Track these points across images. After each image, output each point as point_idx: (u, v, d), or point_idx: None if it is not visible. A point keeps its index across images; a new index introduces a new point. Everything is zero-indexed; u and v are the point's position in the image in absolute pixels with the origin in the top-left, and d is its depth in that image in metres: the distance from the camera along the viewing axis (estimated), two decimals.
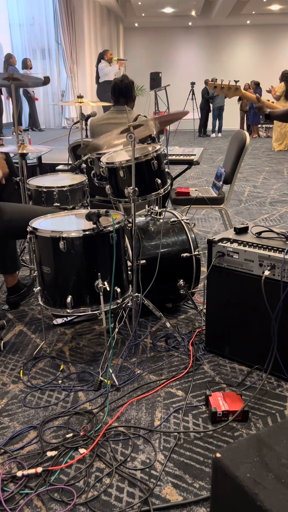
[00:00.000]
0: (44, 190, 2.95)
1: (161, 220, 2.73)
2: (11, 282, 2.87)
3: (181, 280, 2.59)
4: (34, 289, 2.55)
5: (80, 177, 3.15)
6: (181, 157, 4.03)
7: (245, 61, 17.24)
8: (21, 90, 10.51)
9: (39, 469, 1.62)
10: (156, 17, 16.41)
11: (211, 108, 13.72)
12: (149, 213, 2.79)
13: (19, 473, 1.60)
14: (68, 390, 2.10)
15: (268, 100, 2.54)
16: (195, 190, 3.93)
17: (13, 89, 3.20)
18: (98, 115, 3.54)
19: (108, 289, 2.14)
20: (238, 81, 2.47)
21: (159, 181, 2.45)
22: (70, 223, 2.34)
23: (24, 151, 3.17)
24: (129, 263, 2.41)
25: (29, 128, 11.48)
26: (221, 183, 3.79)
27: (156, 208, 2.82)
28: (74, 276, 2.15)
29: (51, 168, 4.96)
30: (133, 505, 1.51)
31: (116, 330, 2.47)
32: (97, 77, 9.15)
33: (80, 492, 1.57)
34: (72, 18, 12.35)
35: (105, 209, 2.13)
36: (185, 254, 2.60)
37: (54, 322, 2.68)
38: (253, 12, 16.02)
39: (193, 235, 2.67)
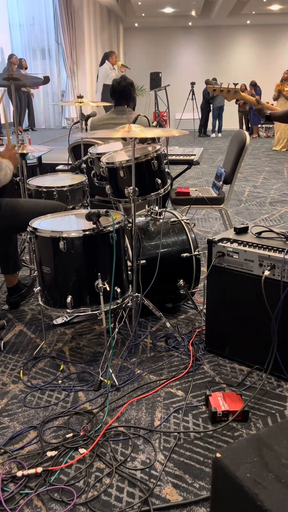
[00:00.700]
0: (44, 190, 2.95)
1: (161, 220, 2.73)
2: (12, 282, 2.87)
3: (181, 280, 2.59)
4: (34, 289, 2.55)
5: (80, 177, 3.15)
6: (181, 157, 4.04)
7: (245, 61, 17.25)
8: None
9: (39, 469, 1.62)
10: (156, 17, 16.42)
11: (211, 108, 13.73)
12: (149, 213, 2.79)
13: (19, 473, 1.60)
14: (68, 390, 2.10)
15: (268, 102, 2.54)
16: (195, 190, 3.93)
17: (13, 89, 3.20)
18: (98, 115, 3.55)
19: (108, 289, 2.14)
20: (237, 83, 2.47)
21: (159, 181, 2.45)
22: (70, 223, 2.34)
23: (24, 151, 3.17)
24: (129, 263, 2.41)
25: (29, 128, 11.49)
26: (221, 183, 3.79)
27: (156, 208, 2.82)
28: (74, 276, 2.15)
29: (51, 168, 4.97)
30: (133, 505, 1.51)
31: (116, 330, 2.47)
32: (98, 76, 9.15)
33: (80, 492, 1.57)
34: (72, 18, 12.35)
35: (105, 209, 2.13)
36: (185, 254, 2.60)
37: (54, 322, 2.68)
38: (253, 12, 16.03)
39: (193, 235, 2.67)
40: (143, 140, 2.83)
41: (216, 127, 13.90)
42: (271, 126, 12.94)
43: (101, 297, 2.11)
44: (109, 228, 2.15)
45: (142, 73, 14.70)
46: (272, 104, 2.49)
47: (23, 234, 3.50)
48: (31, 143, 4.89)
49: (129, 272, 2.39)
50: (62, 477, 1.62)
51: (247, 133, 3.70)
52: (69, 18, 12.21)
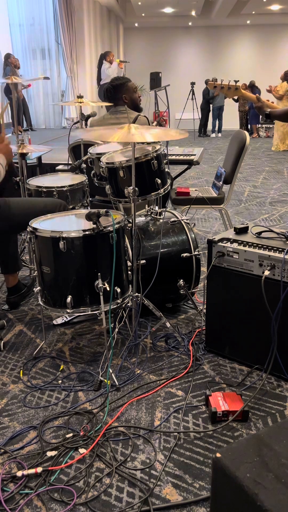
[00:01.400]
0: (44, 190, 2.95)
1: (161, 220, 2.73)
2: (12, 282, 2.87)
3: (181, 280, 2.59)
4: (34, 289, 2.56)
5: (80, 177, 3.15)
6: (181, 157, 4.03)
7: (245, 61, 17.24)
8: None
9: (39, 469, 1.62)
10: (156, 17, 16.41)
11: (211, 108, 13.73)
12: (149, 213, 2.79)
13: (19, 473, 1.60)
14: (68, 390, 2.10)
15: (268, 100, 2.54)
16: (195, 190, 3.93)
17: (13, 89, 3.20)
18: (98, 115, 3.55)
19: (108, 289, 2.14)
20: (238, 81, 2.47)
21: (159, 181, 2.45)
22: (70, 223, 2.34)
23: (24, 151, 3.17)
24: (129, 263, 2.41)
25: (28, 128, 11.48)
26: (221, 183, 3.79)
27: (156, 208, 2.82)
28: (74, 276, 2.15)
29: (51, 168, 4.96)
30: (133, 505, 1.51)
31: (116, 330, 2.47)
32: (99, 78, 9.15)
33: (80, 492, 1.57)
34: (72, 18, 12.34)
35: (105, 209, 2.13)
36: (185, 254, 2.60)
37: (54, 322, 2.68)
38: (253, 12, 16.02)
39: (193, 235, 2.67)
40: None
41: (216, 127, 13.90)
42: (271, 126, 12.93)
43: (101, 297, 2.11)
44: (109, 228, 2.15)
45: (142, 73, 14.68)
46: (273, 102, 2.49)
47: (23, 234, 3.50)
48: (31, 143, 4.89)
49: (129, 272, 2.39)
50: (62, 477, 1.62)
51: (247, 133, 3.70)
52: (69, 18, 12.21)
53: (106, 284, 2.13)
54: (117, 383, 2.11)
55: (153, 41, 17.35)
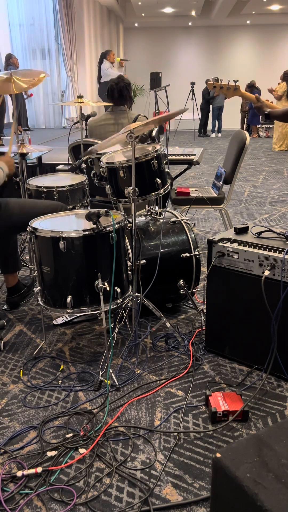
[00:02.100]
0: (44, 190, 2.95)
1: (161, 220, 2.73)
2: (12, 282, 2.87)
3: (181, 280, 2.59)
4: (34, 289, 2.55)
5: (80, 177, 3.15)
6: (181, 157, 4.03)
7: (245, 61, 17.23)
8: None
9: (39, 469, 1.62)
10: (156, 17, 16.40)
11: (211, 108, 13.72)
12: (149, 213, 2.79)
13: (19, 473, 1.60)
14: (68, 390, 2.10)
15: (267, 100, 2.54)
16: (195, 190, 3.93)
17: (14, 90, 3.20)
18: (98, 115, 3.54)
19: (108, 289, 2.14)
20: (238, 81, 2.47)
21: (159, 181, 2.45)
22: (70, 223, 2.34)
23: (24, 151, 3.17)
24: (129, 263, 2.41)
25: (28, 128, 11.48)
26: (221, 183, 3.79)
27: (156, 208, 2.82)
28: (74, 276, 2.15)
29: (51, 168, 4.97)
30: (133, 505, 1.51)
31: (116, 330, 2.47)
32: (99, 76, 9.15)
33: (80, 492, 1.57)
34: (72, 18, 12.34)
35: (105, 209, 2.13)
36: (185, 254, 2.60)
37: (54, 322, 2.68)
38: (253, 12, 16.01)
39: (193, 235, 2.67)
40: (143, 140, 2.83)
41: (216, 127, 13.90)
42: (271, 126, 12.93)
43: (101, 297, 2.11)
44: (109, 228, 2.15)
45: (142, 73, 14.70)
46: (272, 102, 2.49)
47: (23, 234, 3.50)
48: (31, 143, 4.89)
49: (129, 272, 2.39)
50: (62, 477, 1.62)
51: (247, 133, 3.70)
52: (69, 18, 12.20)
53: (106, 284, 2.13)
54: (117, 383, 2.11)
55: (153, 41, 17.35)
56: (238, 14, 15.97)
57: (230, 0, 13.98)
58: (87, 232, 2.12)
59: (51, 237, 2.13)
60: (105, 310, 2.14)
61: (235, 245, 2.17)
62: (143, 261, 2.50)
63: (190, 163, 4.03)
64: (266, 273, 2.02)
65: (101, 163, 2.52)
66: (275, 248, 2.07)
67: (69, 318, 2.69)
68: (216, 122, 13.83)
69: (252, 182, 6.94)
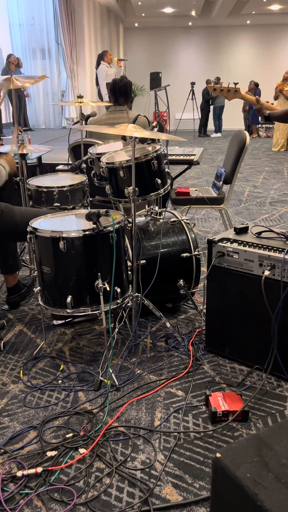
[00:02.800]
0: (44, 190, 2.95)
1: (161, 220, 2.73)
2: (12, 282, 2.87)
3: (181, 280, 2.59)
4: (34, 289, 2.56)
5: (80, 177, 3.15)
6: (181, 157, 4.04)
7: (245, 61, 17.24)
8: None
9: (39, 469, 1.62)
10: (156, 17, 16.41)
11: (211, 108, 13.72)
12: (149, 213, 2.79)
13: (19, 473, 1.60)
14: (68, 390, 2.10)
15: (267, 102, 2.54)
16: (195, 190, 3.93)
17: (13, 90, 3.20)
18: (98, 115, 3.54)
19: (108, 289, 2.14)
20: (238, 83, 2.47)
21: (159, 181, 2.45)
22: (70, 223, 2.34)
23: (24, 151, 3.17)
24: (129, 263, 2.41)
25: (28, 128, 11.48)
26: (221, 183, 3.79)
27: (156, 208, 2.82)
28: (74, 276, 2.15)
29: (51, 168, 4.96)
30: (133, 505, 1.51)
31: (116, 330, 2.47)
32: (97, 79, 9.14)
33: (80, 492, 1.57)
34: (72, 18, 12.34)
35: (105, 209, 2.13)
36: (185, 254, 2.60)
37: (54, 322, 2.68)
38: (253, 12, 16.01)
39: (193, 235, 2.67)
40: (143, 140, 2.83)
41: (216, 127, 13.90)
42: (271, 126, 12.94)
43: (101, 297, 2.11)
44: (109, 228, 2.15)
45: (142, 73, 14.69)
46: (272, 104, 2.49)
47: None
48: (31, 143, 4.89)
49: (129, 272, 2.39)
50: (62, 477, 1.62)
51: (247, 133, 3.70)
52: (69, 18, 12.21)
53: (106, 284, 2.13)
54: (117, 383, 2.11)
55: (153, 41, 17.35)
56: (238, 14, 15.97)
57: (230, 0, 13.98)
58: (87, 232, 2.12)
59: (51, 237, 2.13)
60: (105, 310, 2.14)
61: (235, 245, 2.17)
62: (143, 261, 2.50)
63: (190, 163, 4.04)
64: (266, 273, 2.02)
65: (101, 163, 2.52)
66: (275, 248, 2.07)
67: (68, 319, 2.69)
68: (217, 122, 13.83)
69: (252, 182, 6.94)
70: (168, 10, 15.45)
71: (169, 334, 2.53)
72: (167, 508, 1.50)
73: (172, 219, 2.70)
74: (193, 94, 13.20)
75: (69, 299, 2.15)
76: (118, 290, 2.22)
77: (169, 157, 3.90)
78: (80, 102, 3.33)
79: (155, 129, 2.61)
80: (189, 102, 13.01)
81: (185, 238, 2.65)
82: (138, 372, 2.22)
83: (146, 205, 2.98)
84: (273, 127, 11.09)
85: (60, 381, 2.17)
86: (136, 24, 17.21)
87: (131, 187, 2.31)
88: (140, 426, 1.86)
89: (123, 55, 16.81)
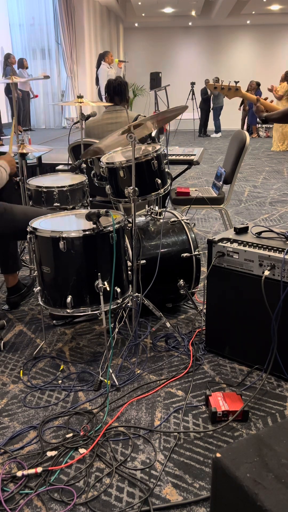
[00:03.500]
0: (44, 190, 2.95)
1: (161, 220, 2.72)
2: (12, 282, 2.87)
3: (181, 280, 2.59)
4: (34, 289, 2.56)
5: (80, 177, 3.15)
6: (181, 157, 4.03)
7: (245, 61, 17.24)
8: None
9: (39, 469, 1.62)
10: (156, 17, 16.41)
11: (212, 108, 13.71)
12: (149, 213, 2.79)
13: (19, 473, 1.60)
14: (68, 390, 2.10)
15: (267, 98, 2.53)
16: (195, 190, 3.93)
17: (13, 89, 3.20)
18: (98, 115, 3.54)
19: (108, 289, 2.14)
20: (238, 81, 2.47)
21: (159, 181, 2.45)
22: (70, 223, 2.34)
23: (24, 151, 3.17)
24: (129, 263, 2.41)
25: (28, 128, 11.48)
26: (221, 183, 3.79)
27: (156, 208, 2.82)
28: (74, 276, 2.15)
29: (51, 168, 4.96)
30: (133, 505, 1.51)
31: (116, 330, 2.47)
32: (97, 79, 9.14)
33: (80, 492, 1.57)
34: (72, 18, 12.35)
35: (105, 209, 2.13)
36: (185, 254, 2.60)
37: (54, 322, 2.68)
38: (253, 12, 16.02)
39: (193, 235, 2.67)
40: (143, 140, 2.83)
41: (216, 127, 13.90)
42: (271, 126, 12.93)
43: (101, 297, 2.11)
44: (109, 228, 2.15)
45: (142, 73, 14.71)
46: (272, 101, 2.48)
47: None
48: (31, 143, 4.89)
49: (129, 272, 2.39)
50: (62, 477, 1.62)
51: (247, 133, 3.70)
52: (69, 18, 12.21)
53: (106, 284, 2.13)
54: (117, 383, 2.11)
55: (153, 41, 17.35)
56: (238, 14, 15.97)
57: (230, 0, 13.98)
58: (87, 232, 2.12)
59: (51, 237, 2.13)
60: (105, 310, 2.14)
61: (235, 245, 2.17)
62: (143, 261, 2.50)
63: (190, 163, 4.03)
64: (266, 273, 2.02)
65: (101, 163, 2.52)
66: (275, 248, 2.07)
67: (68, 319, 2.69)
68: (217, 122, 13.82)
69: (252, 182, 6.94)
70: (168, 10, 15.45)
71: (169, 334, 2.53)
72: (167, 508, 1.50)
73: (172, 219, 2.70)
74: (193, 94, 13.20)
75: (69, 299, 2.15)
76: (118, 290, 2.22)
77: (169, 157, 3.90)
78: (80, 102, 3.32)
79: (154, 131, 2.62)
80: (189, 102, 12.99)
81: (185, 238, 2.65)
82: (138, 372, 2.22)
83: (146, 205, 2.98)
84: (273, 127, 11.08)
85: (60, 381, 2.17)
86: (136, 24, 17.22)
87: (131, 187, 2.31)
88: (140, 426, 1.86)
89: (123, 55, 16.82)
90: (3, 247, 2.78)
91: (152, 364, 2.28)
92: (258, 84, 13.05)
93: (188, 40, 17.45)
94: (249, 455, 1.16)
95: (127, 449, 1.75)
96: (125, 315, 2.45)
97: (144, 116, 2.84)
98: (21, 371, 2.25)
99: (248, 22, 16.73)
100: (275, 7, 15.16)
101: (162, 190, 2.49)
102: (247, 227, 2.33)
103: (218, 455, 1.16)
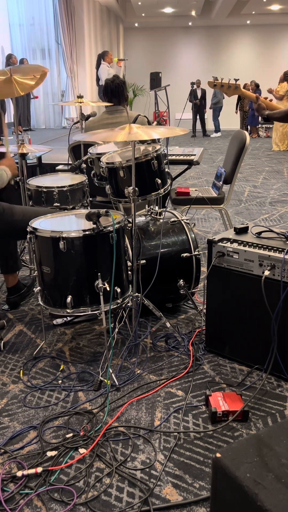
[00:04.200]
0: (44, 190, 2.95)
1: (161, 220, 2.72)
2: (12, 282, 2.87)
3: (181, 280, 2.59)
4: (34, 289, 2.56)
5: (80, 177, 3.15)
6: (181, 157, 4.03)
7: (245, 61, 17.25)
8: None
9: (39, 469, 1.62)
10: (156, 17, 16.42)
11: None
12: (149, 213, 2.79)
13: (19, 473, 1.60)
14: (68, 390, 2.10)
15: (266, 98, 2.53)
16: (195, 190, 3.93)
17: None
18: (98, 115, 3.54)
19: (108, 289, 2.14)
20: (238, 79, 2.46)
21: (159, 181, 2.45)
22: (70, 223, 2.34)
23: (24, 151, 3.17)
24: (129, 263, 2.41)
25: (28, 128, 11.48)
26: (221, 183, 3.79)
27: (156, 208, 2.82)
28: (74, 276, 2.15)
29: (51, 168, 4.95)
30: (133, 505, 1.51)
31: (116, 330, 2.47)
32: (97, 79, 9.15)
33: (80, 492, 1.57)
34: (72, 18, 12.35)
35: (105, 209, 2.13)
36: (185, 254, 2.60)
37: (54, 322, 2.68)
38: (253, 12, 16.03)
39: (193, 235, 2.67)
40: (143, 141, 2.83)
41: (215, 127, 13.89)
42: (271, 126, 12.93)
43: (101, 297, 2.11)
44: (109, 228, 2.15)
45: (142, 73, 14.70)
46: (271, 100, 2.48)
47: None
48: (31, 143, 4.89)
49: (129, 272, 2.39)
50: (62, 477, 1.62)
51: (247, 133, 3.70)
52: (69, 18, 12.21)
53: (106, 284, 2.13)
54: (117, 383, 2.11)
55: (153, 41, 17.36)
56: (238, 14, 15.98)
57: (230, 0, 13.98)
58: (87, 232, 2.12)
59: (51, 237, 2.13)
60: (105, 310, 2.14)
61: (235, 245, 2.17)
62: (143, 261, 2.50)
63: (190, 163, 4.03)
64: (266, 273, 2.02)
65: (101, 163, 2.52)
66: (275, 248, 2.07)
67: (69, 318, 2.69)
68: (217, 122, 13.82)
69: (252, 182, 6.94)
70: (168, 10, 15.46)
71: (169, 334, 2.53)
72: (167, 508, 1.50)
73: (172, 219, 2.70)
74: (193, 94, 13.18)
75: (69, 299, 2.15)
76: (118, 290, 2.22)
77: (169, 157, 3.90)
78: (80, 102, 3.32)
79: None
80: (189, 102, 13.00)
81: (185, 238, 2.65)
82: (138, 372, 2.22)
83: (146, 205, 2.98)
84: (273, 127, 11.08)
85: (60, 381, 2.17)
86: (136, 24, 17.23)
87: (131, 187, 2.31)
88: (140, 426, 1.86)
89: (123, 55, 16.81)
90: (3, 247, 2.78)
91: (152, 364, 2.28)
92: (257, 85, 13.04)
93: (188, 40, 17.46)
94: (249, 455, 1.16)
95: (127, 449, 1.75)
96: (125, 315, 2.45)
97: (144, 116, 2.84)
98: (21, 371, 2.25)
99: (248, 22, 16.74)
100: (275, 7, 15.16)
101: (162, 190, 2.49)
102: (247, 227, 2.33)
103: (218, 455, 1.16)
